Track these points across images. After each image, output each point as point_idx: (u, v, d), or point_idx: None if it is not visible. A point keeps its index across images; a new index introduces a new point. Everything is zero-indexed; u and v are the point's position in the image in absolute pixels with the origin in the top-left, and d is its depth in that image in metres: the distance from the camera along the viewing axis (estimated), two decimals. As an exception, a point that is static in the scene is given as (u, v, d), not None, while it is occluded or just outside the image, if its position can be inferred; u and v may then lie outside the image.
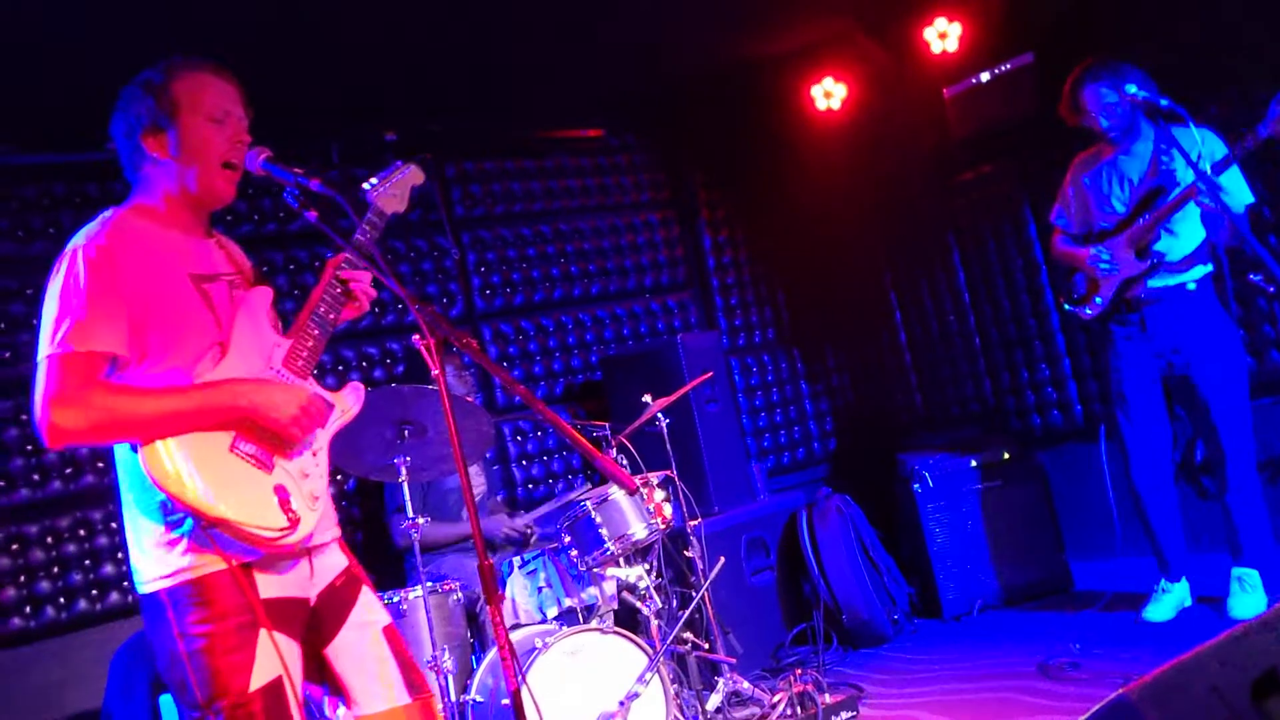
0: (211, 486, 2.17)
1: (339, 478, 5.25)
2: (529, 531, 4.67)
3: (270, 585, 2.27)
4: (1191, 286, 4.34)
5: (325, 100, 5.24)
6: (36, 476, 4.58)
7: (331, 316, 2.48)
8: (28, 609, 4.49)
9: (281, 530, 2.21)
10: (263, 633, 2.19)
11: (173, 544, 2.22)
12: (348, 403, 2.55)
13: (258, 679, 2.19)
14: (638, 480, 4.12)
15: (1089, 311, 4.55)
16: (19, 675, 4.45)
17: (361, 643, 2.44)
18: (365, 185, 2.65)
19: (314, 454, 2.39)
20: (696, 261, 6.83)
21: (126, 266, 2.24)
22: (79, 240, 2.27)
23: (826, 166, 6.71)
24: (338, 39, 4.66)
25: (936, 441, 5.97)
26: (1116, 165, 4.50)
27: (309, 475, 2.35)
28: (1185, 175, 4.12)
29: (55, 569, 4.56)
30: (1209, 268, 4.36)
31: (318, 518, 2.32)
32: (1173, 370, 4.43)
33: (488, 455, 5.59)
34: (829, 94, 6.40)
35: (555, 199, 6.31)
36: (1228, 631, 1.93)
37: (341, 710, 2.49)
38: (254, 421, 2.27)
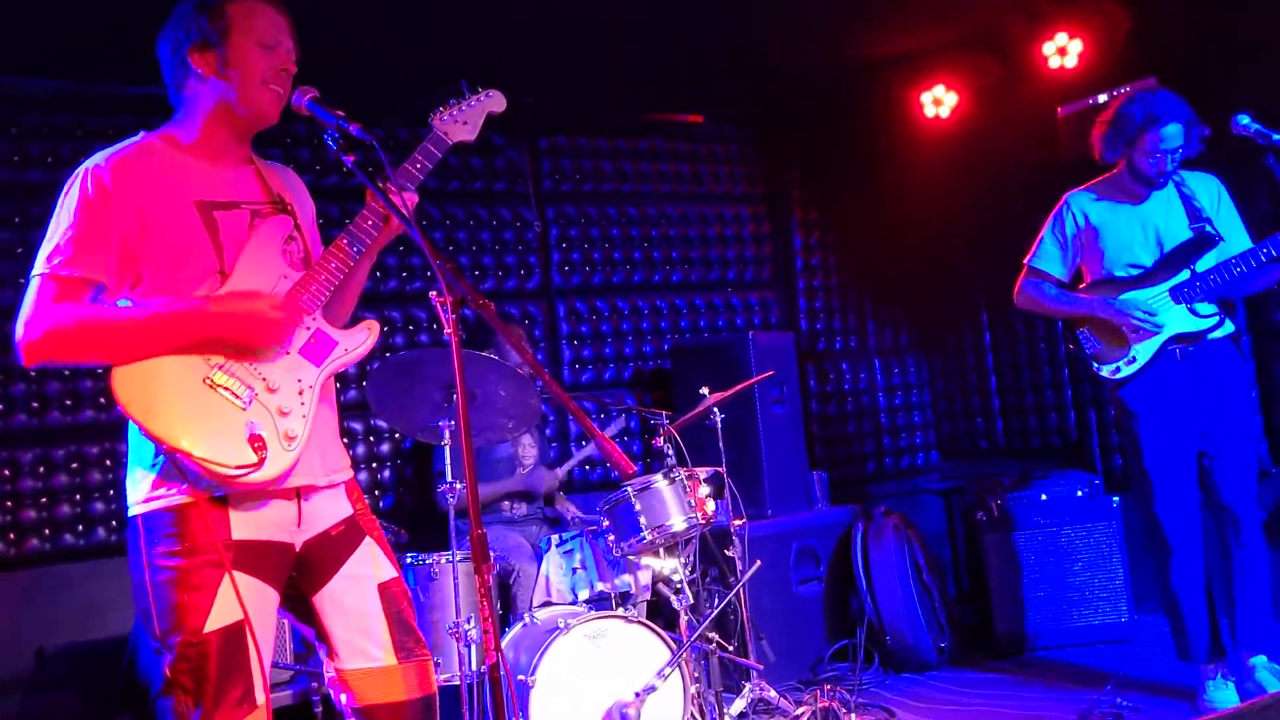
0: (175, 415, 2.15)
1: (397, 435, 5.28)
2: (568, 514, 4.65)
3: (245, 526, 2.24)
4: (1222, 337, 3.99)
5: (424, 60, 5.25)
6: (103, 400, 4.68)
7: (355, 249, 2.42)
8: (80, 527, 4.61)
9: (244, 468, 2.16)
10: (226, 575, 2.16)
11: (151, 470, 2.22)
12: (352, 342, 2.45)
13: (215, 621, 2.16)
14: (682, 473, 4.06)
15: (1123, 370, 4.00)
16: (68, 591, 4.56)
17: (351, 595, 2.39)
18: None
19: (300, 392, 2.32)
20: (784, 260, 6.69)
21: (124, 194, 2.26)
22: (87, 164, 2.31)
23: (928, 176, 6.51)
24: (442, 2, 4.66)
25: (1010, 471, 5.75)
26: (1141, 211, 4.07)
27: (288, 413, 2.28)
28: (1234, 236, 3.95)
29: (111, 491, 4.66)
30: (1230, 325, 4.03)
31: (293, 458, 2.26)
32: (1203, 441, 3.98)
33: (547, 431, 5.58)
34: (939, 101, 6.21)
35: (645, 182, 6.24)
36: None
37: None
38: (224, 338, 2.24)
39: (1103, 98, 5.62)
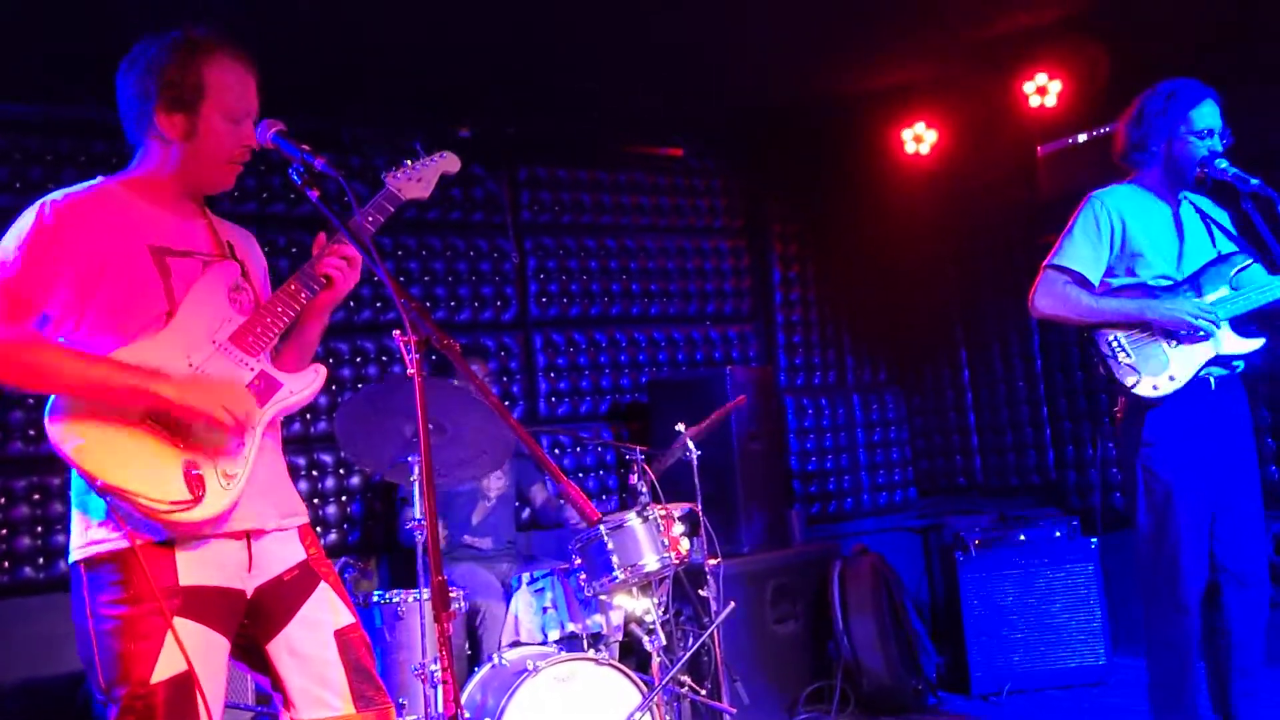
0: (109, 451, 2.09)
1: (366, 469, 5.18)
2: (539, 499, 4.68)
3: (193, 571, 2.17)
4: (1237, 375, 3.65)
5: (404, 92, 5.22)
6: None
7: (303, 295, 2.38)
8: (40, 560, 4.50)
9: (179, 504, 2.09)
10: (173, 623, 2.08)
11: (93, 514, 2.16)
12: (298, 384, 2.39)
13: (162, 671, 2.08)
14: (657, 511, 3.99)
15: (1162, 388, 3.47)
16: (25, 624, 4.45)
17: (307, 642, 2.31)
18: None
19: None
20: (763, 294, 6.65)
21: (78, 233, 2.20)
22: (47, 198, 2.25)
23: (908, 212, 6.52)
24: (421, 29, 4.62)
25: (988, 510, 5.71)
26: (1172, 219, 3.69)
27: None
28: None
29: (73, 524, 4.56)
30: None
31: (233, 498, 2.19)
32: (1217, 493, 3.57)
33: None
34: (919, 138, 6.22)
35: (625, 214, 6.20)
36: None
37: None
38: (167, 414, 2.16)
39: (1082, 137, 5.64)
